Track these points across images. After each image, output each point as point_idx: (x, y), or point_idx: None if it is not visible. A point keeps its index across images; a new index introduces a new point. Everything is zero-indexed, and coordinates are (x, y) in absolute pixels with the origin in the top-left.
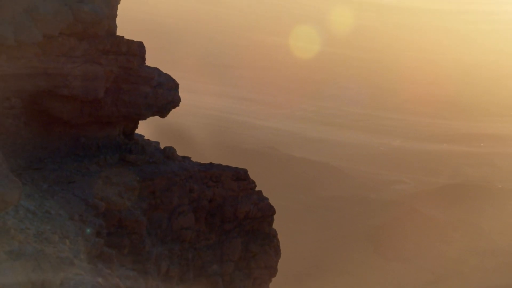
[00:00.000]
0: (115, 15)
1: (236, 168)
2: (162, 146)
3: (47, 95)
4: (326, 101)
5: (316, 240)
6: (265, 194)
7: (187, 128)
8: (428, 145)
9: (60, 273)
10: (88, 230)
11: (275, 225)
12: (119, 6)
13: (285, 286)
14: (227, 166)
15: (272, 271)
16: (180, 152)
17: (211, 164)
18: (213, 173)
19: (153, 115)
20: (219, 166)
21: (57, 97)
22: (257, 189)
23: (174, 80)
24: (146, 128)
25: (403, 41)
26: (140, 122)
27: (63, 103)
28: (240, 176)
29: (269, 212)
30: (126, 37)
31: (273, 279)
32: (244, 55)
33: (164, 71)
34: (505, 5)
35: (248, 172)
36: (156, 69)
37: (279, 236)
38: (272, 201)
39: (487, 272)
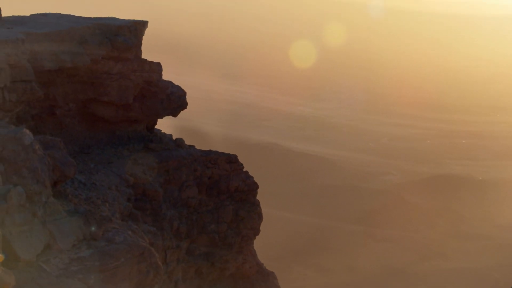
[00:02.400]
0: (141, 44)
1: (229, 154)
2: (174, 138)
3: (93, 101)
4: (322, 104)
5: (313, 222)
6: (267, 182)
7: (203, 126)
8: (414, 142)
9: (102, 226)
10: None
11: (277, 208)
12: (149, 29)
13: (286, 260)
14: (222, 152)
15: (256, 231)
16: (197, 146)
17: (210, 150)
18: (211, 157)
19: (167, 115)
20: (216, 152)
21: (100, 102)
22: (261, 177)
23: (182, 90)
24: (171, 126)
25: (390, 51)
26: (164, 120)
27: (104, 107)
28: (232, 159)
29: (254, 187)
30: (155, 50)
31: (276, 254)
32: (251, 66)
33: (184, 78)
34: (485, 13)
35: (253, 164)
36: (170, 82)
37: (281, 218)
38: (274, 188)
39: (468, 254)
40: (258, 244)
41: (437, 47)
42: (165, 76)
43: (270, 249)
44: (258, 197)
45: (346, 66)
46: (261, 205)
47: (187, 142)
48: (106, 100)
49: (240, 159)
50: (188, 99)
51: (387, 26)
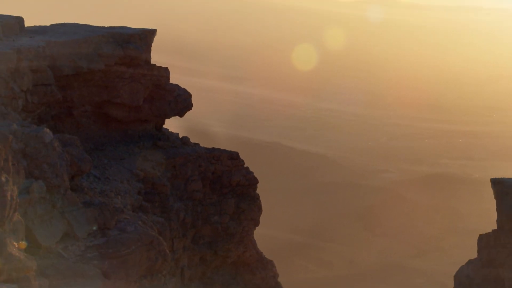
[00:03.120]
0: (150, 50)
1: (231, 151)
2: (181, 136)
3: (107, 103)
4: (322, 104)
5: (315, 217)
6: (270, 179)
7: (209, 126)
8: (412, 141)
9: (115, 217)
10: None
11: (280, 204)
12: (159, 34)
13: (289, 254)
14: (224, 150)
15: (256, 222)
16: (203, 144)
17: (213, 148)
18: (215, 154)
19: (174, 115)
20: (219, 149)
21: (113, 104)
22: (264, 174)
23: (188, 92)
24: (178, 125)
25: (389, 54)
26: (172, 120)
27: (117, 108)
28: (233, 156)
29: (254, 181)
30: (165, 55)
31: (280, 247)
32: (255, 69)
33: (191, 80)
34: (481, 17)
35: (257, 162)
36: (176, 85)
37: (283, 213)
38: (276, 185)
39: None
40: (262, 237)
41: (434, 50)
42: (174, 78)
43: (273, 243)
44: (261, 193)
45: (346, 68)
46: (265, 201)
47: (194, 141)
48: (118, 102)
49: (244, 157)
50: (194, 100)
51: (386, 30)
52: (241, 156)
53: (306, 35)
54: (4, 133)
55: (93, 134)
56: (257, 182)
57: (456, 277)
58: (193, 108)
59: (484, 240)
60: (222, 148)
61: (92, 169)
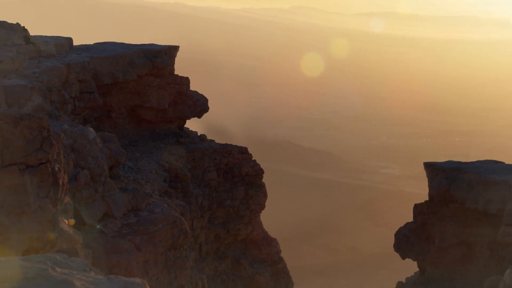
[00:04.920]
0: (174, 63)
1: (241, 146)
2: (199, 134)
3: (139, 106)
4: (328, 107)
5: (320, 209)
6: (282, 174)
7: (227, 126)
8: (411, 140)
9: (145, 200)
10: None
11: (290, 196)
12: (183, 46)
13: (298, 241)
14: (236, 145)
15: (262, 206)
16: (222, 141)
17: (226, 144)
18: (227, 149)
19: (194, 117)
20: (231, 145)
21: (144, 107)
22: (276, 169)
23: (205, 98)
24: (199, 126)
25: (390, 60)
26: (193, 121)
27: (147, 111)
28: (243, 151)
29: (260, 172)
30: (183, 64)
31: (288, 235)
32: (267, 75)
33: (210, 86)
34: (477, 25)
35: (270, 158)
36: (195, 91)
37: (293, 204)
38: (287, 179)
39: None
40: (274, 226)
41: (432, 56)
42: (195, 84)
43: (283, 231)
44: (273, 186)
45: (349, 74)
46: (276, 193)
47: (214, 139)
48: (148, 106)
49: (257, 155)
50: (214, 103)
51: (386, 39)
52: (255, 153)
53: (313, 45)
54: (56, 131)
55: (127, 132)
56: (263, 172)
57: (396, 235)
58: (213, 110)
59: (418, 208)
60: (239, 145)
61: (127, 161)
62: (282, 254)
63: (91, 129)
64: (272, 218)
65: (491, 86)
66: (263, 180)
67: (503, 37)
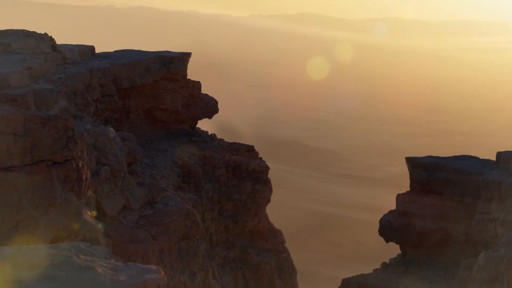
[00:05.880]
0: (186, 68)
1: (248, 145)
2: (210, 134)
3: (154, 108)
4: (333, 108)
5: (326, 204)
6: (289, 172)
7: (237, 126)
8: (412, 139)
9: (160, 194)
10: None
11: (297, 193)
12: (195, 51)
13: (304, 235)
14: (243, 144)
15: (267, 200)
16: (232, 141)
17: (234, 142)
18: (235, 147)
19: (205, 117)
20: (239, 143)
21: (159, 109)
22: (283, 167)
23: (215, 100)
24: (210, 126)
25: (392, 63)
26: (204, 121)
27: (162, 112)
28: (250, 149)
29: (266, 168)
30: (196, 68)
31: (295, 230)
32: (274, 78)
33: (224, 88)
34: (477, 29)
35: (277, 157)
36: (206, 94)
37: (300, 201)
38: (294, 177)
39: None
40: (282, 220)
41: (433, 60)
42: (206, 87)
43: (291, 225)
44: (281, 183)
45: (353, 77)
46: (284, 190)
47: (225, 138)
48: (163, 107)
49: (267, 153)
50: (223, 105)
51: (389, 43)
52: (264, 152)
53: (318, 49)
54: (80, 131)
55: (144, 132)
56: (268, 169)
57: (381, 221)
58: (223, 111)
59: (400, 198)
60: (246, 144)
61: (144, 158)
62: (289, 248)
63: (112, 129)
64: (280, 213)
65: (490, 88)
66: (270, 176)
67: (503, 40)
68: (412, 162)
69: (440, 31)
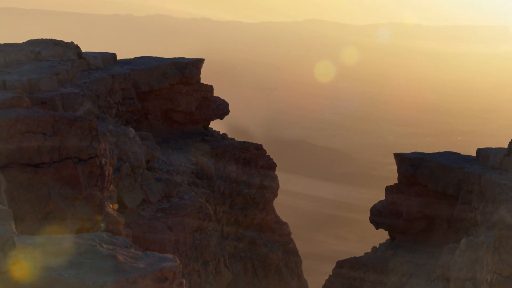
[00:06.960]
0: (200, 73)
1: (256, 143)
2: (221, 133)
3: (170, 110)
4: (339, 110)
5: (333, 201)
6: (297, 170)
7: (248, 127)
8: (415, 139)
9: (176, 189)
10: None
11: (305, 189)
12: (207, 56)
13: (312, 230)
14: (252, 142)
15: (275, 195)
16: (241, 140)
17: (244, 141)
18: (245, 146)
19: (217, 118)
20: (248, 142)
21: (175, 111)
22: (292, 166)
23: (226, 102)
24: (222, 127)
25: (395, 66)
26: (216, 122)
27: (177, 113)
28: (258, 147)
29: (273, 165)
30: (209, 72)
31: (301, 224)
32: (283, 81)
33: (233, 92)
34: (478, 33)
35: (286, 156)
36: (218, 97)
37: (308, 197)
38: (302, 175)
39: None
40: (290, 216)
41: (436, 62)
42: (218, 90)
43: (299, 221)
44: (289, 181)
45: (359, 79)
46: (292, 188)
47: (236, 138)
48: (178, 109)
49: (276, 152)
50: (234, 106)
51: (393, 47)
52: (273, 151)
53: (325, 53)
54: (103, 131)
55: (161, 132)
56: (276, 166)
57: (371, 210)
58: (234, 112)
59: (389, 189)
60: (255, 143)
61: (161, 155)
62: (297, 242)
63: (132, 129)
64: (289, 209)
65: (490, 89)
66: (277, 172)
67: (503, 44)
68: (400, 158)
69: (442, 35)
